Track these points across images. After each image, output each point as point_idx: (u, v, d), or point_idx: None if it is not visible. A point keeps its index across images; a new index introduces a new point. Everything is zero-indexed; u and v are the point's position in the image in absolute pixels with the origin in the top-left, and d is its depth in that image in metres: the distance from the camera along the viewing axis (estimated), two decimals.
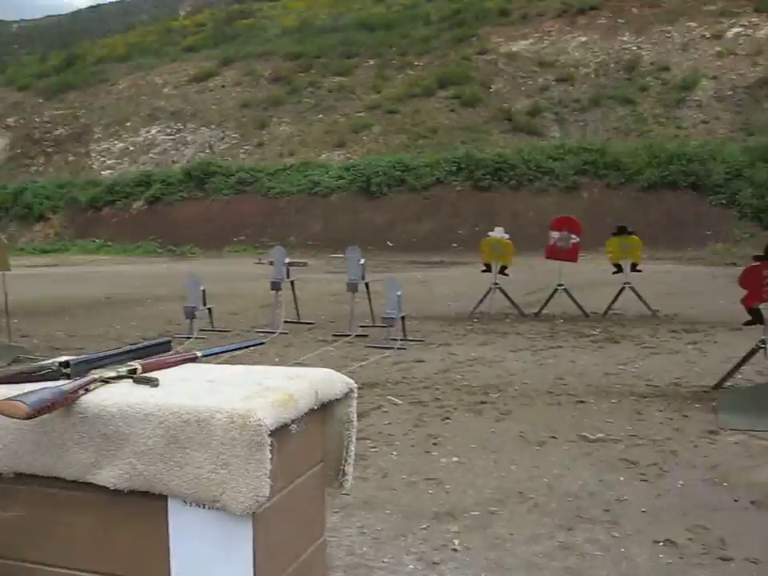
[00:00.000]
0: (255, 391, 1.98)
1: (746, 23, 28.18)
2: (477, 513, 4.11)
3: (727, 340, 9.30)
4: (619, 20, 29.55)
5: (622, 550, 3.66)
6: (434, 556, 3.58)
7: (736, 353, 8.20)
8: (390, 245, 23.23)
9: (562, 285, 11.27)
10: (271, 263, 11.43)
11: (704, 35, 28.06)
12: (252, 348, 3.53)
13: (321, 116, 29.43)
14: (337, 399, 2.26)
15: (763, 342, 6.59)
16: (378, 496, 4.35)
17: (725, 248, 21.27)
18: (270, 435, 1.82)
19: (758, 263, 6.50)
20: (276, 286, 10.62)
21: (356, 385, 2.34)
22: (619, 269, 11.30)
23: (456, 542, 3.73)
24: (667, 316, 11.20)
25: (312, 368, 2.30)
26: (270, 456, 1.82)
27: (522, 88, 28.15)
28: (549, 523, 3.97)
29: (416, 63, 30.50)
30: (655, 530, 3.89)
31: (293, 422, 1.98)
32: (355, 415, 2.33)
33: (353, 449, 2.34)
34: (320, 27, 35.12)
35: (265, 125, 29.80)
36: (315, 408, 2.13)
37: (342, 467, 2.32)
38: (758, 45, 27.14)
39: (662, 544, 3.73)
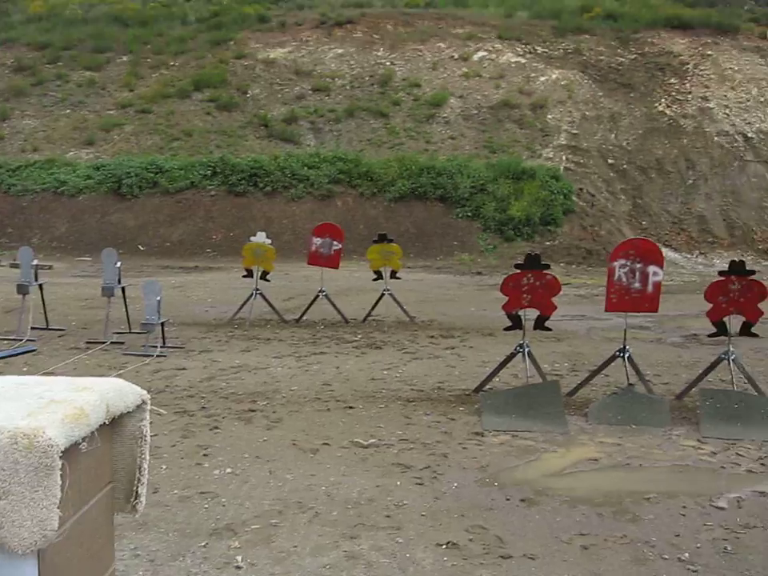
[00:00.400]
0: (39, 406, 1.71)
1: (490, 48, 29.94)
2: (257, 526, 3.94)
3: (481, 345, 9.71)
4: (375, 35, 30.36)
5: (408, 555, 3.64)
6: (217, 575, 3.38)
7: (491, 357, 8.60)
8: (142, 249, 22.33)
9: (323, 291, 11.28)
10: (13, 265, 10.55)
11: (452, 56, 29.49)
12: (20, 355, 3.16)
13: (68, 111, 27.80)
14: (128, 412, 2.03)
15: (521, 346, 6.91)
16: (150, 514, 4.07)
17: (470, 258, 22.33)
18: (60, 457, 1.57)
19: (518, 271, 6.80)
20: (23, 290, 9.80)
21: (149, 396, 2.11)
22: (379, 276, 11.50)
23: (239, 558, 3.55)
24: (424, 322, 11.52)
25: (101, 378, 2.05)
26: (60, 482, 1.57)
27: (279, 95, 28.15)
28: (332, 533, 3.88)
29: (171, 63, 29.61)
30: (437, 533, 3.92)
31: (83, 439, 1.73)
32: (148, 429, 2.11)
33: (146, 467, 2.10)
34: (70, 17, 33.19)
35: (6, 117, 27.70)
36: (106, 423, 1.88)
37: (134, 488, 2.08)
38: (501, 69, 28.92)
39: (445, 546, 3.75)
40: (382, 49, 29.70)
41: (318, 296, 11.29)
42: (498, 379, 7.35)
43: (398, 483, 4.66)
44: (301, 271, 15.04)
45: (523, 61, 29.44)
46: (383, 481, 4.68)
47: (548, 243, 23.22)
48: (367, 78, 28.55)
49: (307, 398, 6.83)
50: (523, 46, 30.07)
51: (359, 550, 3.68)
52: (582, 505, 4.43)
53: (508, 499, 4.47)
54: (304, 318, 11.28)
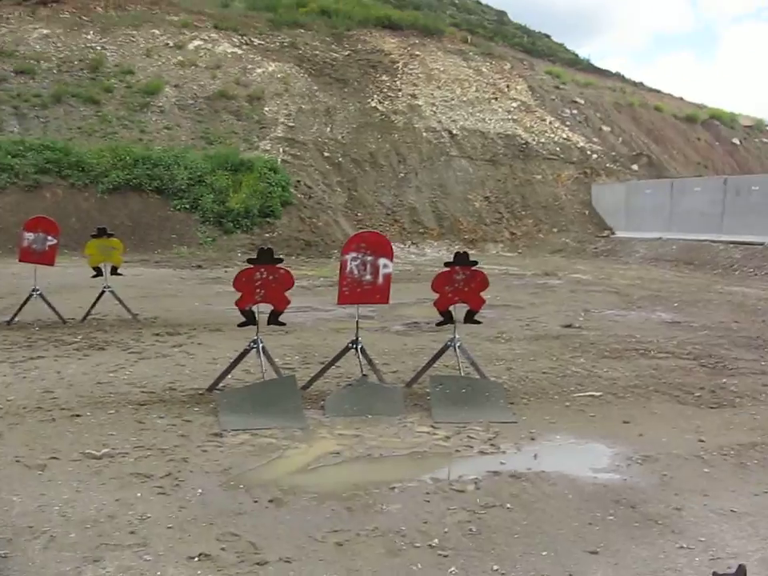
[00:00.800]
0: None
1: (206, 38, 29.48)
2: None
3: (210, 341, 9.49)
4: (84, 17, 28.79)
5: (158, 573, 3.43)
6: None
7: (221, 353, 8.43)
8: None
9: (37, 290, 10.48)
10: None
11: (167, 44, 28.68)
12: None
13: None
14: None
15: (255, 341, 6.80)
16: None
17: (189, 251, 21.90)
18: None
19: (250, 266, 6.68)
20: None
21: None
22: (99, 272, 10.89)
23: None
24: (147, 319, 11.07)
25: None
26: None
27: None
28: (72, 557, 3.56)
29: None
30: (186, 545, 3.73)
31: None
32: None
33: None
34: None
35: None
36: None
37: None
38: (218, 60, 28.57)
39: (197, 559, 3.58)
40: (92, 32, 28.25)
41: (31, 295, 10.48)
42: (231, 376, 7.19)
43: (139, 495, 4.39)
44: (10, 268, 13.90)
45: (240, 52, 29.28)
46: (122, 494, 4.40)
47: (267, 235, 23.32)
48: (76, 62, 27.03)
49: (28, 408, 6.28)
50: (240, 37, 29.90)
51: (105, 573, 3.40)
52: (330, 500, 4.42)
53: (256, 501, 4.36)
54: (16, 319, 10.43)
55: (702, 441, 5.74)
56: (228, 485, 4.62)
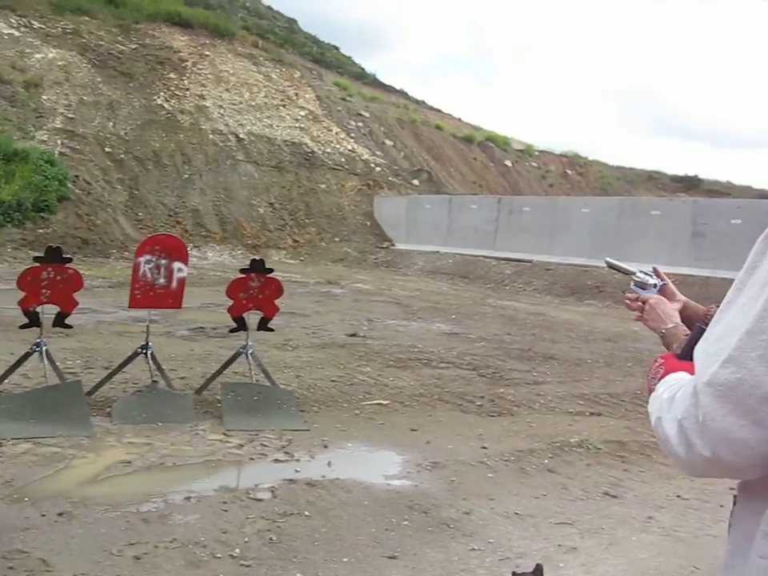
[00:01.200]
0: None
1: None
2: None
3: None
4: None
5: None
6: None
7: None
8: None
9: None
10: None
11: None
12: None
13: None
14: None
15: (38, 345, 6.46)
16: None
17: None
18: None
19: (37, 264, 6.34)
20: None
21: None
22: None
23: None
24: None
25: None
26: None
27: None
28: None
29: None
30: None
31: None
32: None
33: None
34: None
35: None
36: None
37: None
38: None
39: None
40: None
41: None
42: (8, 381, 6.77)
43: None
44: None
45: (17, 34, 27.56)
46: None
47: (41, 231, 22.09)
48: None
49: None
50: (18, 18, 28.14)
51: None
52: (124, 512, 4.28)
53: (44, 515, 4.14)
54: None
55: (485, 447, 6.07)
56: (11, 498, 4.36)
